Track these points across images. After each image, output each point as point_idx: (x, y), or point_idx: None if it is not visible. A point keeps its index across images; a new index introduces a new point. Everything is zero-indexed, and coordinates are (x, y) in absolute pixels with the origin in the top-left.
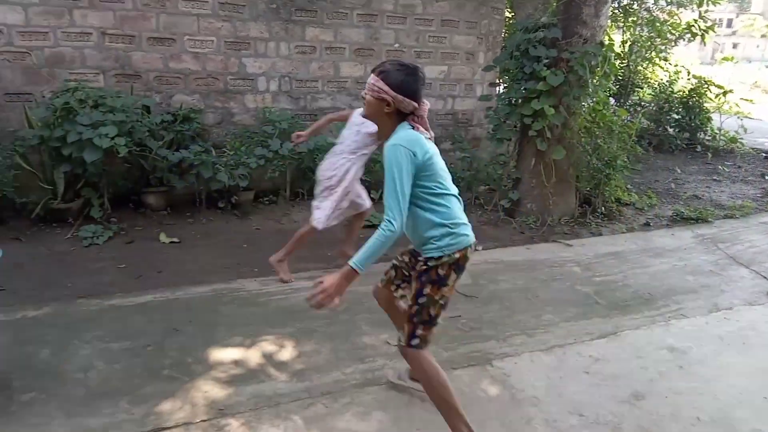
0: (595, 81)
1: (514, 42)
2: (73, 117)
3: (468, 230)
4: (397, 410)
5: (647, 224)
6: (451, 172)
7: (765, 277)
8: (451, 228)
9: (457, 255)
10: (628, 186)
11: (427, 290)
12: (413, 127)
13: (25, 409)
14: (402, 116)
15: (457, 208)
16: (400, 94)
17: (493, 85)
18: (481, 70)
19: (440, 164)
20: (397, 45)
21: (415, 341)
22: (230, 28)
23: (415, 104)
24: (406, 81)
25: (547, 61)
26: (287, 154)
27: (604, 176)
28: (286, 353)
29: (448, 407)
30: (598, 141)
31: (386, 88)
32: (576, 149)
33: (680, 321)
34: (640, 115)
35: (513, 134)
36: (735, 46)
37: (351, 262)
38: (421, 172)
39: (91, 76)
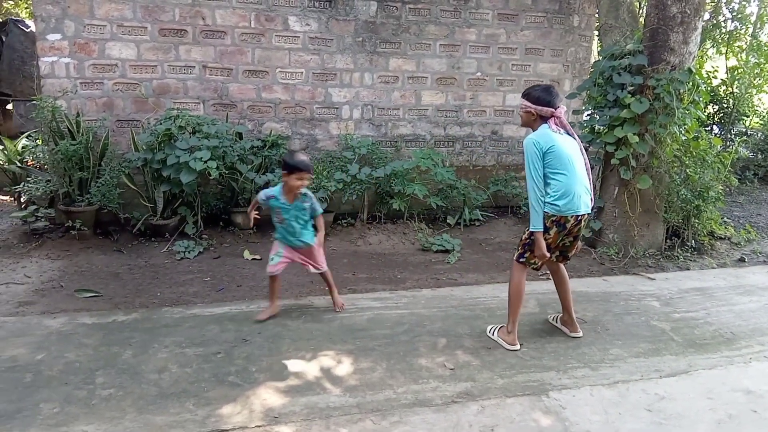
0: (683, 108)
1: (598, 69)
2: (173, 142)
3: (571, 202)
4: None
5: (742, 260)
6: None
7: None
8: (556, 198)
9: (556, 216)
10: (725, 219)
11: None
12: (550, 126)
13: (104, 404)
14: (544, 119)
15: (568, 184)
16: (538, 105)
17: (577, 112)
18: (565, 98)
19: (562, 152)
20: (479, 74)
21: (521, 259)
22: (318, 60)
23: (552, 110)
24: (541, 96)
25: (632, 88)
26: (364, 178)
27: (694, 208)
28: (343, 369)
29: (512, 306)
30: (688, 171)
31: (528, 103)
32: (664, 179)
33: (762, 363)
34: (737, 144)
35: (595, 162)
36: None
37: (531, 229)
38: (544, 156)
39: (192, 105)
